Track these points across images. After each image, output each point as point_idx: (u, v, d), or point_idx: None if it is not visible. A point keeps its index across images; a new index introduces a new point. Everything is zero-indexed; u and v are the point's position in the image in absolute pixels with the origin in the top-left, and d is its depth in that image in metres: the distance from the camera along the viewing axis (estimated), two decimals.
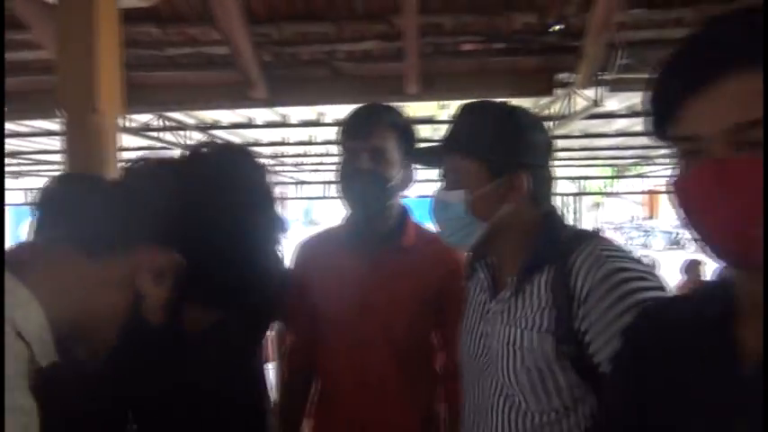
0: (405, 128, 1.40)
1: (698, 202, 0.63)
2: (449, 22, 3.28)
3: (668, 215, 22.36)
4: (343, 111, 4.85)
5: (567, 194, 10.62)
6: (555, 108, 4.48)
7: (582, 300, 0.93)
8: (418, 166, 1.36)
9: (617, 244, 1.02)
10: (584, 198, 13.50)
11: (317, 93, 3.59)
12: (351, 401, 1.39)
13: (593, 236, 1.05)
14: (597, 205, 14.58)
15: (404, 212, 1.46)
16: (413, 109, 5.09)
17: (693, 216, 0.64)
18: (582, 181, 10.62)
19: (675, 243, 19.58)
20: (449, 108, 5.34)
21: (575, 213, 10.43)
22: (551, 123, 4.70)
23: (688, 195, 0.64)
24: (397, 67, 3.46)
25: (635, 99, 4.79)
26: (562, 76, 3.60)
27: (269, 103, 3.72)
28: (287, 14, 3.29)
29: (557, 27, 3.20)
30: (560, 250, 1.00)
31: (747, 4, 0.62)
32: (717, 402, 0.64)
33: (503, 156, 1.06)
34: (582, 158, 9.19)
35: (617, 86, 3.25)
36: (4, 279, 0.69)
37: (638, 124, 5.97)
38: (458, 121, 1.14)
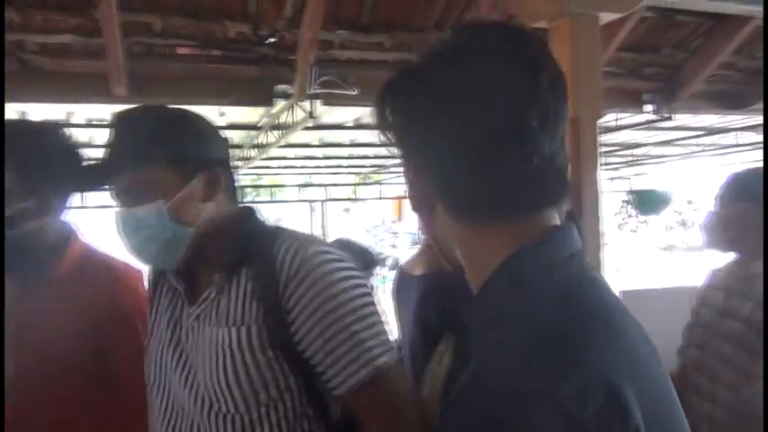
0: (50, 151, 1.25)
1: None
2: (158, 22, 3.12)
3: (412, 218, 24.82)
4: (97, 109, 4.28)
5: (316, 201, 11.10)
6: (282, 118, 4.59)
7: (286, 282, 0.97)
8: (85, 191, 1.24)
9: (313, 236, 1.10)
10: (336, 204, 14.25)
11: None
12: None
13: (290, 230, 1.09)
14: (347, 210, 15.47)
15: (63, 234, 1.33)
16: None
17: None
18: (329, 188, 11.17)
19: (419, 243, 21.84)
20: (228, 115, 5.06)
21: (323, 219, 10.94)
22: (281, 132, 4.82)
23: None
24: (102, 66, 3.17)
25: (360, 112, 5.17)
26: (283, 87, 3.70)
27: None
28: None
29: (270, 39, 3.26)
30: (261, 243, 1.02)
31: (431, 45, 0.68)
32: None
33: (191, 157, 1.04)
34: (327, 166, 9.65)
35: (328, 101, 3.46)
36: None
37: (368, 136, 6.47)
38: (125, 133, 1.05)
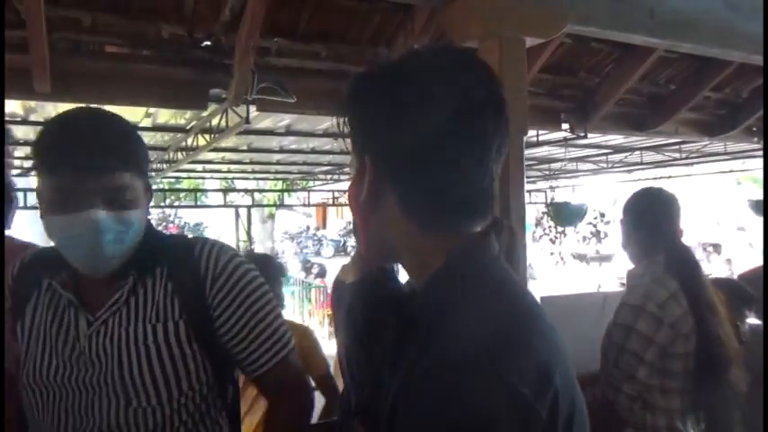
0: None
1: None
2: (87, 18, 3.01)
3: (336, 226, 24.82)
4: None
5: (242, 206, 10.92)
6: (215, 122, 4.52)
7: (212, 280, 1.10)
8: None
9: (224, 243, 1.22)
10: (260, 210, 14.03)
11: None
12: None
13: (200, 236, 1.27)
14: (272, 216, 15.26)
15: None
16: (117, 113, 4.42)
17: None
18: (256, 193, 11.01)
19: (343, 250, 21.90)
20: (155, 116, 4.86)
21: (248, 225, 10.78)
22: (212, 136, 4.74)
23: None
24: (24, 60, 3.02)
25: (293, 118, 5.18)
26: (217, 91, 3.66)
27: None
28: None
29: (206, 43, 3.23)
30: (176, 247, 1.13)
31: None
32: None
33: (147, 168, 1.14)
34: (254, 171, 9.52)
35: (261, 107, 3.47)
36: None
37: (297, 142, 6.48)
38: (106, 135, 1.04)
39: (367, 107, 0.76)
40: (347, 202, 0.82)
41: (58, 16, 2.93)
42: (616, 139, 6.77)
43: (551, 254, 13.33)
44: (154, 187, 1.21)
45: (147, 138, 5.91)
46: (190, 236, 1.25)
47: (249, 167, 8.89)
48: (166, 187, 13.39)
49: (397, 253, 0.79)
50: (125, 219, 1.04)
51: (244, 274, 1.14)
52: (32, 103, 4.33)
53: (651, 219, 2.04)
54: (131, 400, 1.04)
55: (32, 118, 4.69)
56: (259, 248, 12.94)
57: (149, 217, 1.19)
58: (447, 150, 0.72)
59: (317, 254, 22.35)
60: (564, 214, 8.25)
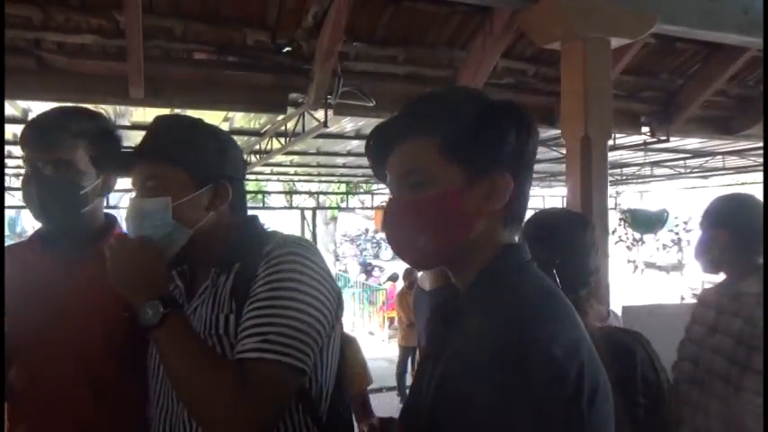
0: (97, 133, 1.33)
1: (383, 226, 0.93)
2: (178, 27, 3.15)
3: None
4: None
5: (308, 208, 11.11)
6: (290, 125, 4.63)
7: (260, 272, 1.04)
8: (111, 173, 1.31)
9: (309, 242, 1.18)
10: (323, 212, 14.24)
11: (16, 86, 3.08)
12: (37, 424, 1.26)
13: (285, 234, 1.17)
14: (334, 219, 15.47)
15: (107, 221, 1.40)
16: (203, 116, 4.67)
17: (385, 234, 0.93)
18: (319, 196, 11.17)
19: None
20: (231, 120, 5.09)
21: (313, 227, 10.96)
22: (287, 139, 4.86)
23: (382, 221, 0.93)
24: (119, 67, 3.19)
25: (362, 122, 5.24)
26: (296, 95, 3.75)
27: None
28: None
29: (287, 48, 3.32)
30: (255, 244, 1.10)
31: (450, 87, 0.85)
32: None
33: (207, 168, 1.13)
34: (319, 174, 9.69)
35: (339, 111, 3.52)
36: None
37: (363, 146, 6.53)
38: (158, 130, 1.17)
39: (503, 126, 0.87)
40: (431, 212, 0.85)
41: (153, 25, 3.08)
42: (695, 143, 6.47)
43: (628, 261, 12.75)
44: None
45: None
46: (288, 234, 1.19)
47: (315, 170, 9.05)
48: None
49: (459, 257, 0.88)
50: (146, 206, 1.10)
51: (285, 263, 1.03)
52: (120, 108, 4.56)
53: (757, 229, 1.87)
54: None
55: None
56: (322, 251, 13.11)
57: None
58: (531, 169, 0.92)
59: (376, 256, 22.48)
60: (642, 221, 7.90)
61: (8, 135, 6.34)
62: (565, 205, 3.39)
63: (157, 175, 1.10)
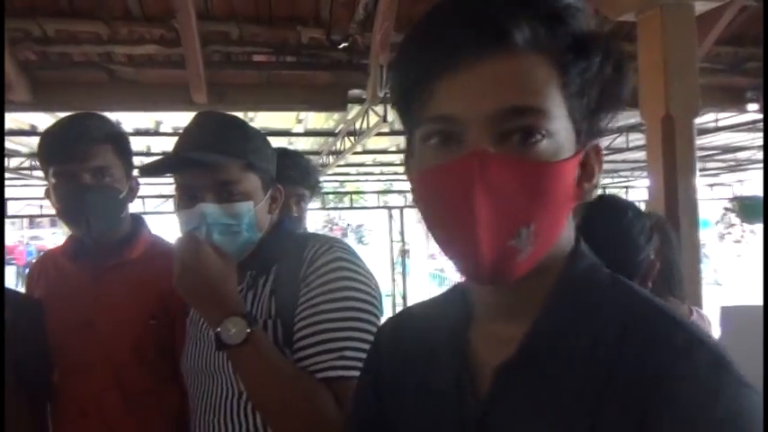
0: (117, 136, 1.31)
1: (447, 202, 0.51)
2: (234, 31, 3.19)
3: None
4: (183, 117, 4.49)
5: (395, 207, 11.11)
6: (358, 124, 4.58)
7: (305, 276, 1.01)
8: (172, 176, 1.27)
9: (348, 245, 1.11)
10: (413, 211, 14.15)
11: (89, 97, 3.26)
12: (71, 430, 1.26)
13: (323, 235, 1.18)
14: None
15: (135, 224, 1.38)
16: (269, 120, 4.87)
17: (437, 217, 0.53)
18: (408, 194, 11.10)
19: None
20: (305, 121, 5.20)
21: (402, 225, 10.94)
22: (353, 138, 4.81)
23: (437, 191, 0.52)
24: (183, 75, 3.28)
25: None
26: (357, 91, 3.68)
27: (32, 106, 3.31)
28: (48, 10, 2.95)
29: (344, 44, 3.25)
30: (292, 245, 1.08)
31: None
32: (437, 406, 0.61)
33: (271, 169, 1.12)
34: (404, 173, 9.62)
35: None
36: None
37: None
38: (220, 130, 1.08)
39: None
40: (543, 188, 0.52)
41: (210, 31, 3.13)
42: None
43: (738, 256, 11.45)
44: None
45: (302, 143, 6.21)
46: (332, 235, 1.19)
47: (401, 168, 9.00)
48: (329, 190, 14.11)
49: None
50: (231, 211, 1.03)
51: (333, 271, 1.01)
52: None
53: None
54: (242, 393, 1.02)
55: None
56: (414, 248, 13.05)
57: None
58: None
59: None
60: (752, 210, 7.05)
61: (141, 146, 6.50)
62: (647, 197, 3.04)
63: (236, 179, 1.03)
